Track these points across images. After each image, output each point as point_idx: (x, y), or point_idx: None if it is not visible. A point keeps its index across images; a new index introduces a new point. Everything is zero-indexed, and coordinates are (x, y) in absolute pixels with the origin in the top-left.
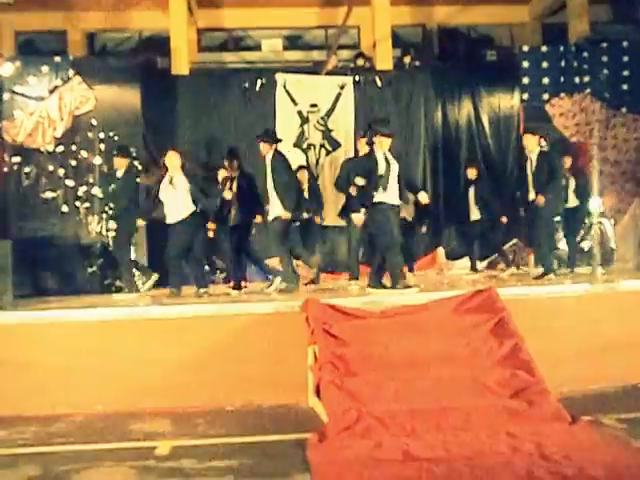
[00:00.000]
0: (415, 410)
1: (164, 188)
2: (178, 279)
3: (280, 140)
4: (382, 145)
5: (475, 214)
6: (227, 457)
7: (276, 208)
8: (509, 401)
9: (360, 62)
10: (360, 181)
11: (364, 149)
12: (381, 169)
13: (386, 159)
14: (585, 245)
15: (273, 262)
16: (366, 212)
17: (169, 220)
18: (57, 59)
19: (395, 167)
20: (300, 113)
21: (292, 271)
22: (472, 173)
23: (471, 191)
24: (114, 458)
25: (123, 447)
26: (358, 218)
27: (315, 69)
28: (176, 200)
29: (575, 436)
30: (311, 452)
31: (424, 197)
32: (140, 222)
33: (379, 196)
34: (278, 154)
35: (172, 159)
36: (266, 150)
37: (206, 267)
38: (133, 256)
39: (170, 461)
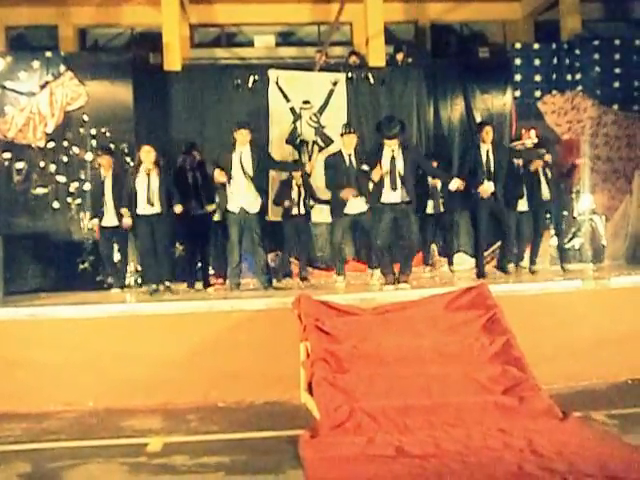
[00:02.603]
0: (407, 406)
1: (140, 181)
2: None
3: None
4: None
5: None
6: (219, 453)
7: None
8: (500, 397)
9: (353, 60)
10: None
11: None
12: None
13: (393, 157)
14: (576, 242)
15: None
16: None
17: (144, 211)
18: (48, 54)
19: (400, 164)
20: (293, 109)
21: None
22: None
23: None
24: (106, 455)
25: (115, 444)
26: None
27: (308, 65)
28: (150, 194)
29: (566, 432)
30: (303, 448)
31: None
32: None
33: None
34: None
35: (147, 153)
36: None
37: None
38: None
39: (162, 458)
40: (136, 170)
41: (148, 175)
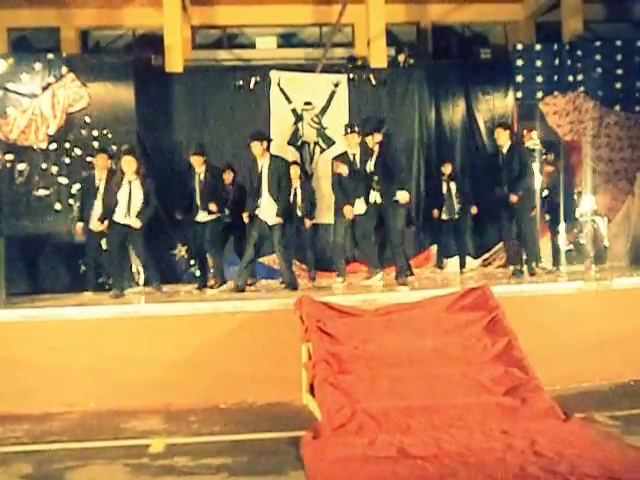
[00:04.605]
0: (409, 407)
1: (122, 192)
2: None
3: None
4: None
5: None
6: (221, 455)
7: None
8: (503, 398)
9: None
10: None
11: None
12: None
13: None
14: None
15: None
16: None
17: (121, 220)
18: (50, 56)
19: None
20: (294, 111)
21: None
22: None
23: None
24: (108, 456)
25: (116, 445)
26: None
27: (309, 67)
28: (131, 204)
29: (568, 433)
30: (305, 450)
31: (404, 196)
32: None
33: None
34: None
35: (128, 164)
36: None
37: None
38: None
39: (164, 459)
40: (118, 181)
41: (130, 186)
